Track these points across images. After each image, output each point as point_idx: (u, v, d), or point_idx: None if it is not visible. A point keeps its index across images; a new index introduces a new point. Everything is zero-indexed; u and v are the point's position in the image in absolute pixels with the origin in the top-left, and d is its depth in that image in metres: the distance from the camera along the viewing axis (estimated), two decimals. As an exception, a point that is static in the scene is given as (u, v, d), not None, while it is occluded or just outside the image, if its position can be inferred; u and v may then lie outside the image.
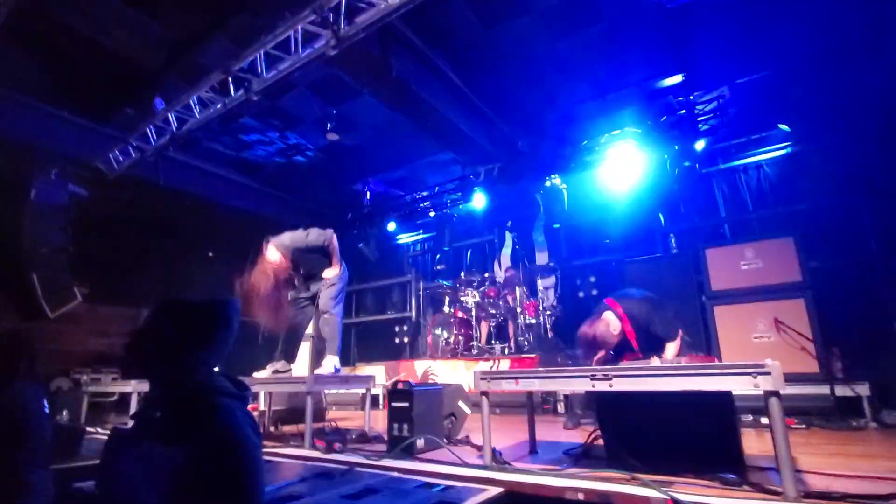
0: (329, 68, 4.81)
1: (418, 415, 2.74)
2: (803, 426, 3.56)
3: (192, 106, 5.13)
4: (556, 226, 7.64)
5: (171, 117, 5.33)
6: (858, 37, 4.71)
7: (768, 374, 1.70)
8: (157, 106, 5.37)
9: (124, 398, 5.11)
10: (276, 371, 3.73)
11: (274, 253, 3.62)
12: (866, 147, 5.08)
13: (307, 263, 3.84)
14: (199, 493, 1.05)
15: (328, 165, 7.65)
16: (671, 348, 3.14)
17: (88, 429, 3.64)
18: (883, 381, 3.84)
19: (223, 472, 1.08)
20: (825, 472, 2.03)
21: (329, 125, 6.24)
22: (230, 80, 4.72)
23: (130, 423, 1.29)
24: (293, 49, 4.27)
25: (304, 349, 5.20)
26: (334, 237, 3.86)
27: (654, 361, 2.92)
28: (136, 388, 4.24)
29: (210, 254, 8.03)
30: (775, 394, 1.69)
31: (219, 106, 4.99)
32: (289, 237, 3.72)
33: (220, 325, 1.34)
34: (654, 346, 3.19)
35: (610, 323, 3.18)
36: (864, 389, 3.68)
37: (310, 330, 4.09)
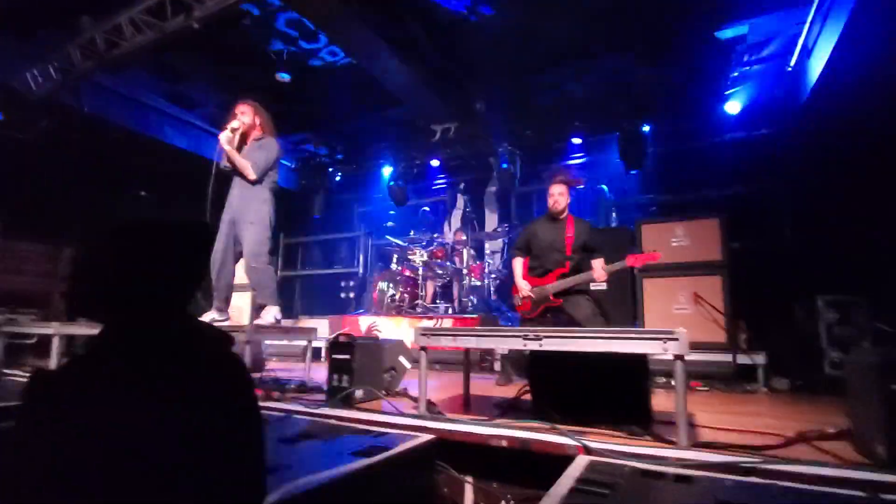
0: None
1: (358, 366, 2.81)
2: (706, 389, 3.99)
3: (124, 28, 4.65)
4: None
5: (99, 39, 4.81)
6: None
7: (676, 339, 1.90)
8: (83, 24, 4.81)
9: (43, 340, 4.81)
10: (214, 320, 3.63)
11: None
12: (791, 139, 5.50)
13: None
14: (192, 457, 0.85)
15: (275, 109, 7.24)
16: (598, 263, 3.52)
17: (5, 370, 3.43)
18: (777, 351, 4.34)
19: (222, 431, 0.90)
20: (716, 427, 2.33)
21: (278, 66, 5.88)
22: (168, 2, 4.30)
23: (72, 369, 0.99)
24: (242, -23, 3.94)
25: (245, 299, 5.09)
26: None
27: (596, 264, 3.47)
28: (58, 330, 3.99)
29: (142, 193, 7.48)
30: (680, 357, 1.90)
31: (154, 31, 4.55)
32: None
33: (196, 249, 1.12)
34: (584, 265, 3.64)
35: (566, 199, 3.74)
36: (760, 358, 4.15)
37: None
